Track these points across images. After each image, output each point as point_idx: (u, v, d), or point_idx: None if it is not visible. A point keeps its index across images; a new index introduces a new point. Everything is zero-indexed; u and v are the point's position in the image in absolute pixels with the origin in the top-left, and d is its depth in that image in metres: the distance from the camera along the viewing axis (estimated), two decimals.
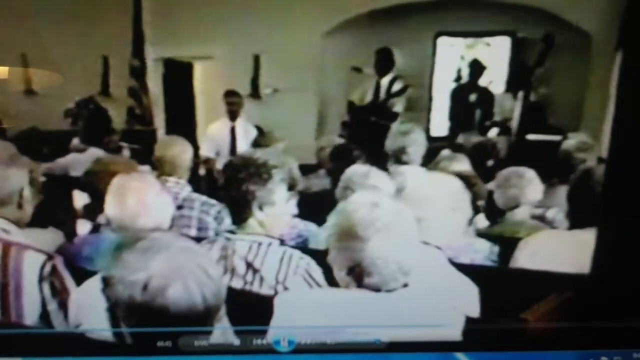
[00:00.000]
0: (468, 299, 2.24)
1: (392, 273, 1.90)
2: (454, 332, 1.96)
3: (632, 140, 1.88)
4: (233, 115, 6.02)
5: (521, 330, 2.03)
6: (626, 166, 1.92)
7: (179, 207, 3.37)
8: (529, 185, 3.34)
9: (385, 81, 6.60)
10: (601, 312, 1.95)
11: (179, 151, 3.70)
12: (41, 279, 2.23)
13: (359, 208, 1.96)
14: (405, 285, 1.94)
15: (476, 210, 3.09)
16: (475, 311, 2.22)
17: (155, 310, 1.54)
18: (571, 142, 3.98)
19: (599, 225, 2.06)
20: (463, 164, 3.99)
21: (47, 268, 2.25)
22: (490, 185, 3.44)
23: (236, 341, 1.89)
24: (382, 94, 6.60)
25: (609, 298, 1.96)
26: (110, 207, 2.56)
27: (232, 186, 2.40)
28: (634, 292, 1.94)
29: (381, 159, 4.00)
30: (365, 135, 5.86)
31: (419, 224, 2.02)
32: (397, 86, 6.58)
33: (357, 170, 3.24)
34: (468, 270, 2.33)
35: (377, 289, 1.92)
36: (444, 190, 2.58)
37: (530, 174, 3.37)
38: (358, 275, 1.94)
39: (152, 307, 1.53)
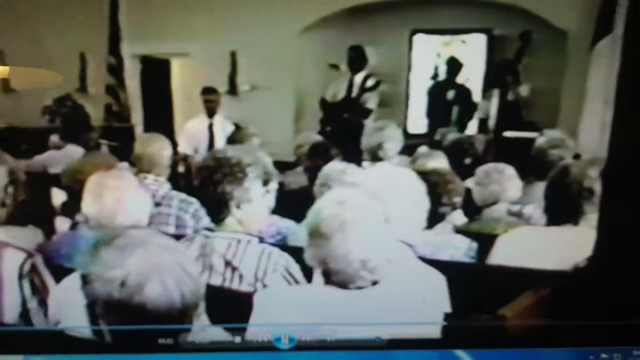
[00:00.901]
0: (440, 294, 2.25)
1: (357, 270, 1.92)
2: (432, 329, 1.98)
3: (631, 140, 1.89)
4: (211, 112, 5.99)
5: (520, 327, 2.05)
6: (625, 165, 1.93)
7: (157, 205, 3.36)
8: (508, 181, 3.35)
9: (358, 78, 6.61)
10: (601, 309, 1.97)
11: (158, 148, 3.70)
12: (21, 277, 2.23)
13: (326, 206, 1.98)
14: (375, 283, 1.95)
15: (453, 207, 3.10)
16: (447, 306, 2.24)
17: (133, 307, 1.54)
18: (544, 139, 3.99)
19: (598, 223, 2.08)
20: (440, 161, 4.00)
21: (27, 266, 2.25)
22: (468, 183, 3.45)
23: (237, 338, 1.90)
24: (356, 91, 6.61)
25: (610, 295, 1.98)
26: (88, 205, 2.55)
27: (208, 188, 2.41)
28: (634, 289, 1.96)
29: (357, 156, 4.02)
30: (340, 132, 5.85)
31: (386, 221, 2.03)
32: (370, 82, 6.59)
33: (335, 167, 3.25)
34: (444, 266, 2.33)
35: (344, 287, 1.94)
36: (399, 185, 2.59)
37: (510, 170, 3.39)
38: (326, 272, 1.96)
39: (130, 304, 1.54)
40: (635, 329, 1.97)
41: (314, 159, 4.02)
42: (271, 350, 1.92)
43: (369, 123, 4.63)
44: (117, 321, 1.61)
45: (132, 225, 2.50)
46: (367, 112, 6.53)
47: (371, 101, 6.59)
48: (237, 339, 1.89)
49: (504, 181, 3.34)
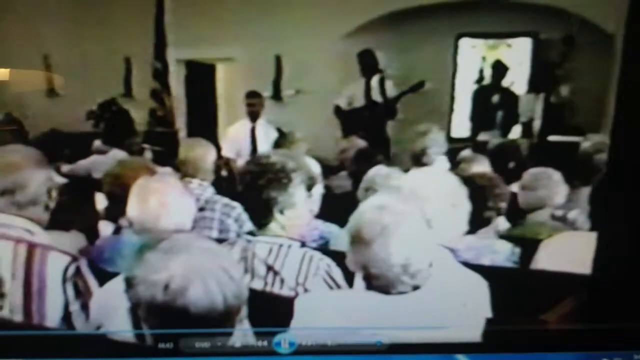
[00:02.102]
0: (481, 299, 2.24)
1: (398, 275, 1.91)
2: (469, 333, 1.96)
3: (633, 141, 1.88)
4: (254, 116, 6.02)
5: (522, 332, 2.03)
6: (627, 167, 1.91)
7: (201, 209, 3.38)
8: (556, 186, 3.33)
9: (374, 82, 6.61)
10: (602, 313, 1.95)
11: (203, 153, 3.72)
12: (65, 280, 2.24)
13: (367, 211, 1.97)
14: (416, 288, 1.94)
15: (498, 211, 3.08)
16: (487, 311, 2.22)
17: (176, 311, 1.55)
18: (589, 143, 3.96)
19: (600, 228, 2.06)
20: (484, 165, 3.98)
21: (71, 269, 2.26)
22: (512, 187, 3.43)
23: (237, 343, 1.90)
24: (376, 94, 6.60)
25: (610, 300, 1.96)
26: (133, 209, 2.56)
27: (252, 193, 2.41)
28: (635, 293, 1.94)
29: (387, 156, 4.03)
30: (367, 136, 5.83)
31: (428, 225, 2.02)
32: (389, 84, 6.59)
33: (379, 171, 3.25)
34: (487, 271, 2.32)
35: (386, 292, 1.93)
36: (442, 189, 2.58)
37: (557, 176, 3.36)
38: (367, 277, 1.96)
39: (173, 307, 1.55)
40: (637, 333, 1.95)
41: (359, 163, 4.02)
42: (271, 355, 1.92)
43: (413, 127, 4.60)
44: (159, 324, 1.62)
45: (175, 229, 2.51)
46: (394, 113, 6.53)
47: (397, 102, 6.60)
48: (237, 344, 1.89)
49: (551, 186, 3.32)
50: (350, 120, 6.64)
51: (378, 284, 1.94)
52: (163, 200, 2.53)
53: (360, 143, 4.77)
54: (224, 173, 5.19)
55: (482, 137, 6.44)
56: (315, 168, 2.58)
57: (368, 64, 6.67)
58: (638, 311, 1.94)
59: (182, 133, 6.84)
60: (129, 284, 1.61)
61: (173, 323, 1.59)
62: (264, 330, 1.92)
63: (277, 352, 1.93)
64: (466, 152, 4.58)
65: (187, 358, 1.82)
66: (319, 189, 2.55)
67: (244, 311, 1.74)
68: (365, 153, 4.24)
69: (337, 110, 6.74)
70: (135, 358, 1.78)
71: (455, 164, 4.10)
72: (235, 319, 1.68)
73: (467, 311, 2.02)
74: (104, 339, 1.85)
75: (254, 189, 2.39)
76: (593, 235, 2.65)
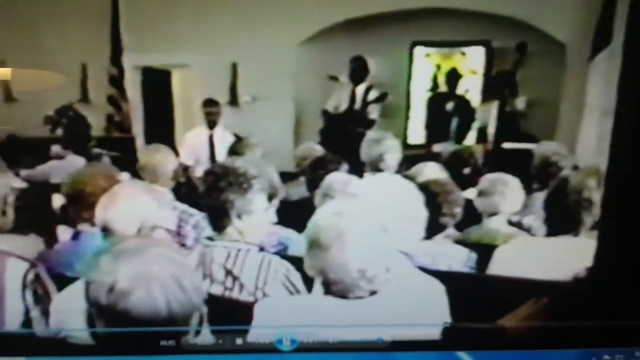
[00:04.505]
0: (439, 304, 2.25)
1: (355, 280, 1.92)
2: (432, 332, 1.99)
3: (632, 145, 1.91)
4: (212, 124, 6.01)
5: (523, 329, 2.05)
6: (625, 171, 1.94)
7: None
8: (512, 192, 3.35)
9: (360, 89, 6.63)
10: (603, 311, 1.98)
11: (162, 159, 3.71)
12: (24, 287, 2.23)
13: (324, 217, 1.99)
14: (373, 293, 1.96)
15: (453, 217, 3.10)
16: (446, 316, 2.24)
17: (118, 314, 1.56)
18: (542, 150, 4.01)
19: (600, 227, 2.09)
20: (439, 172, 4.00)
21: (30, 276, 2.25)
22: (467, 193, 3.45)
23: (238, 340, 1.90)
24: (358, 102, 6.62)
25: (611, 297, 1.99)
26: (99, 213, 2.55)
27: (211, 195, 2.42)
28: (635, 291, 1.97)
29: (359, 167, 4.03)
30: (343, 143, 5.85)
31: (385, 231, 2.04)
32: (373, 94, 6.61)
33: (338, 178, 3.25)
34: (444, 276, 2.33)
35: (343, 296, 1.95)
36: (398, 195, 2.60)
37: (514, 183, 3.39)
38: (325, 282, 1.97)
39: (115, 310, 1.55)
40: (637, 330, 1.98)
41: (317, 170, 4.01)
42: (273, 352, 1.93)
43: (369, 134, 4.62)
44: (106, 325, 1.62)
45: (133, 234, 2.50)
46: (370, 123, 6.54)
47: (374, 112, 6.61)
48: (239, 341, 1.89)
49: (507, 193, 3.34)
50: (333, 125, 6.65)
51: (336, 289, 1.95)
52: (122, 205, 2.53)
53: (318, 150, 4.77)
54: (181, 179, 5.18)
55: (437, 148, 6.47)
56: (276, 179, 2.57)
57: (358, 71, 6.68)
58: (638, 308, 1.97)
59: (140, 139, 6.82)
60: (86, 286, 1.62)
61: (116, 325, 1.60)
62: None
63: (278, 350, 1.93)
64: (423, 160, 4.60)
65: (189, 355, 1.83)
66: (277, 200, 2.55)
67: (195, 319, 1.74)
68: (323, 160, 4.24)
69: (324, 114, 6.75)
70: (137, 356, 1.78)
71: (412, 170, 4.11)
72: (180, 327, 1.68)
73: (424, 316, 2.04)
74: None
75: (213, 190, 2.40)
76: (547, 241, 2.70)
